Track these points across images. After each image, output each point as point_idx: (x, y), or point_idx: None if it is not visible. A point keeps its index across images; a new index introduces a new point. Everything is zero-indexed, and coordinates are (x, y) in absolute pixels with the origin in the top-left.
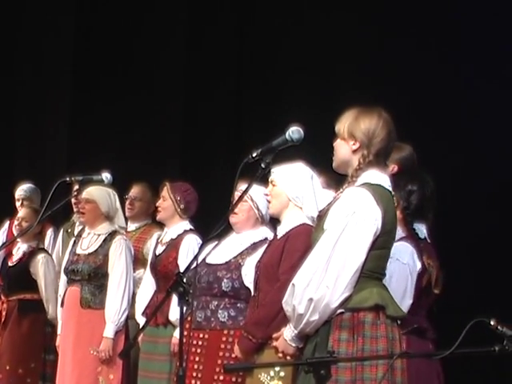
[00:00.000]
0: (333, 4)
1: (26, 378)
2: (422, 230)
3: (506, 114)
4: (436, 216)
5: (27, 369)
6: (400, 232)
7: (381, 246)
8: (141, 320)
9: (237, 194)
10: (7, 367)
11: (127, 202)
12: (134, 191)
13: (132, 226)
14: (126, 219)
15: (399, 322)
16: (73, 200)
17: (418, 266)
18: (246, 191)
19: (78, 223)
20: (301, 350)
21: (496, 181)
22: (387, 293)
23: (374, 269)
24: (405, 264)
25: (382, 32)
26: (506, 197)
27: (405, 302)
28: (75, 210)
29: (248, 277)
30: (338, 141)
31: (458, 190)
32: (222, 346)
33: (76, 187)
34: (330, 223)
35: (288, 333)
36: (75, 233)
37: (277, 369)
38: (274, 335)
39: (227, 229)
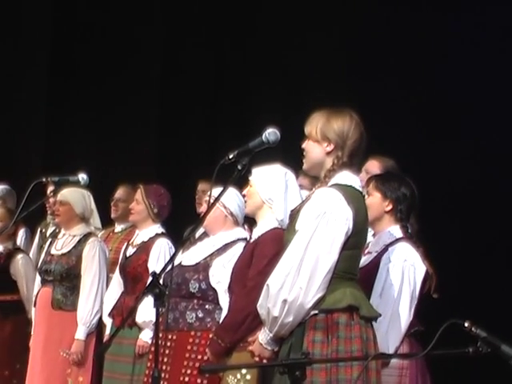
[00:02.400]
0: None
1: (12, 380)
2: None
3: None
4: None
5: (13, 370)
6: (398, 232)
7: (352, 247)
8: (107, 321)
9: (212, 197)
10: None
11: (112, 204)
12: (119, 193)
13: (118, 228)
14: (112, 221)
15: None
16: (50, 200)
17: (424, 269)
18: (221, 193)
19: (51, 224)
20: (276, 353)
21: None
22: (360, 293)
23: (346, 269)
24: (413, 266)
25: (354, 40)
26: (480, 198)
27: (412, 304)
28: (49, 211)
29: (215, 277)
30: (309, 142)
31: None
32: (189, 347)
33: (51, 188)
34: (301, 224)
35: (263, 336)
36: (48, 234)
37: (243, 371)
38: (250, 339)
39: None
